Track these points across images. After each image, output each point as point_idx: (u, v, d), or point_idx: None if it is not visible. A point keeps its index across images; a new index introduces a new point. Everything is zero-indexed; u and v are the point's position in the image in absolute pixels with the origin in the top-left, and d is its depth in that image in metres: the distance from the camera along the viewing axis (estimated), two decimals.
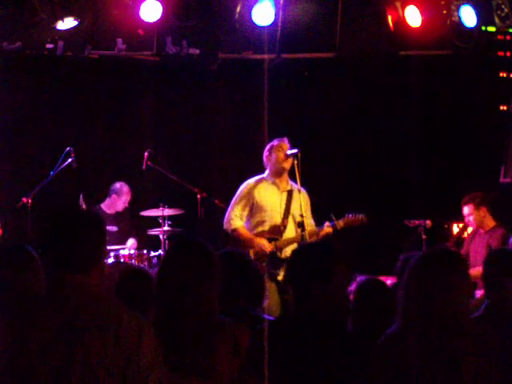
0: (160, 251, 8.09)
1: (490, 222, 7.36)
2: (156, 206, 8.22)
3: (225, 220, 6.94)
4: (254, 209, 6.87)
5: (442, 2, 7.90)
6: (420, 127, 9.16)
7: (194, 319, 3.17)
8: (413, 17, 7.90)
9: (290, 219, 6.86)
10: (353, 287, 4.42)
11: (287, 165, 6.83)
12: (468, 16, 7.88)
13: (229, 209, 6.95)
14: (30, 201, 7.56)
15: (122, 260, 7.90)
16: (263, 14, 7.73)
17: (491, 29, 8.03)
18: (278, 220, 6.86)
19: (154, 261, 8.05)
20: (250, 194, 6.88)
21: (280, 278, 6.65)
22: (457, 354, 3.05)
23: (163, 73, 8.81)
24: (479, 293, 6.70)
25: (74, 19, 7.32)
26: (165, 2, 7.54)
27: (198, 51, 7.97)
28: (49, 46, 7.56)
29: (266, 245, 6.75)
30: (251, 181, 6.97)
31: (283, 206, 6.88)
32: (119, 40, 7.87)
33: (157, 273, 3.34)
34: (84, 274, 2.76)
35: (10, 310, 2.80)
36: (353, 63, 8.44)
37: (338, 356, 3.31)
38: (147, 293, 3.63)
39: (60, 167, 7.79)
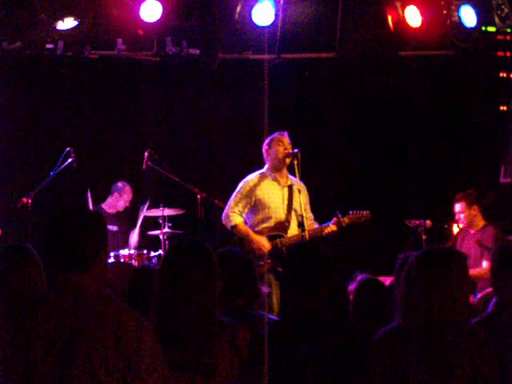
0: (160, 251, 8.09)
1: (481, 222, 7.29)
2: (156, 206, 8.23)
3: (223, 215, 6.91)
4: (256, 206, 6.85)
5: (442, 2, 7.90)
6: (420, 127, 9.16)
7: (194, 319, 3.17)
8: (413, 17, 7.90)
9: (293, 215, 6.86)
10: (352, 287, 4.43)
11: (287, 160, 6.84)
12: (468, 16, 7.88)
13: (228, 204, 6.91)
14: (29, 201, 7.55)
15: (122, 260, 7.90)
16: (263, 14, 7.73)
17: (491, 29, 8.02)
18: (282, 216, 6.85)
19: (154, 261, 8.05)
20: (251, 191, 6.86)
21: None
22: (455, 352, 3.05)
23: (163, 73, 8.81)
24: (479, 294, 6.71)
25: (74, 19, 7.32)
26: (165, 2, 7.54)
27: (197, 51, 7.97)
28: (49, 46, 7.56)
29: (265, 244, 6.73)
30: (252, 177, 6.94)
31: (286, 202, 6.88)
32: (119, 40, 7.87)
33: (157, 273, 3.35)
34: (84, 273, 2.76)
35: (11, 309, 2.80)
36: (353, 63, 8.43)
37: (337, 356, 3.31)
38: None
39: (60, 167, 7.78)
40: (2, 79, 8.23)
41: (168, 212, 8.22)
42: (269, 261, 6.66)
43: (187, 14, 7.68)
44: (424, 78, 9.01)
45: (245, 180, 6.96)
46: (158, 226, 8.23)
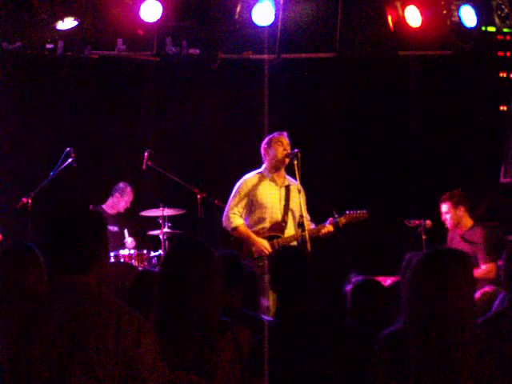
0: (160, 251, 8.10)
1: (468, 222, 7.20)
2: (156, 206, 8.23)
3: (224, 217, 6.90)
4: (253, 206, 6.84)
5: (442, 2, 7.90)
6: (420, 127, 9.16)
7: (194, 319, 3.16)
8: (413, 17, 7.91)
9: (290, 215, 6.86)
10: (349, 288, 4.42)
11: (287, 160, 6.83)
12: (468, 16, 7.89)
13: (227, 206, 6.90)
14: (30, 201, 7.56)
15: (122, 260, 7.91)
16: (263, 14, 7.73)
17: (491, 29, 8.02)
18: (278, 217, 6.84)
19: (154, 261, 8.06)
20: (249, 191, 6.84)
21: None
22: (459, 354, 3.05)
23: (163, 73, 8.81)
24: (477, 293, 6.70)
25: (74, 19, 7.33)
26: (165, 2, 7.55)
27: (198, 51, 7.97)
28: (49, 46, 7.57)
29: (267, 247, 6.73)
30: (249, 177, 6.93)
31: (283, 203, 6.87)
32: (119, 40, 7.87)
33: (157, 273, 3.35)
34: (85, 273, 2.77)
35: (13, 309, 2.80)
36: (353, 63, 8.43)
37: (337, 356, 3.31)
38: None
39: (60, 167, 7.79)
40: (2, 79, 8.23)
41: (168, 212, 8.22)
42: (266, 261, 6.66)
43: (187, 14, 7.68)
44: (424, 77, 9.01)
45: (243, 179, 6.94)
46: (158, 226, 8.24)
